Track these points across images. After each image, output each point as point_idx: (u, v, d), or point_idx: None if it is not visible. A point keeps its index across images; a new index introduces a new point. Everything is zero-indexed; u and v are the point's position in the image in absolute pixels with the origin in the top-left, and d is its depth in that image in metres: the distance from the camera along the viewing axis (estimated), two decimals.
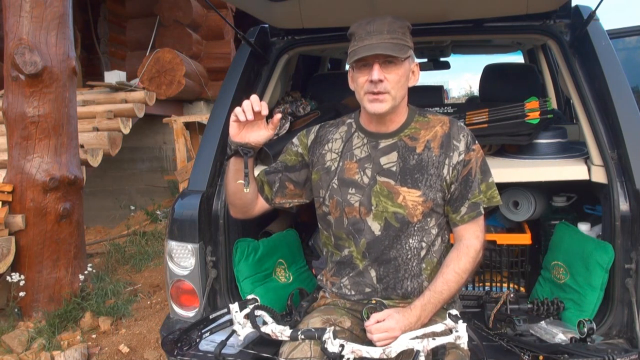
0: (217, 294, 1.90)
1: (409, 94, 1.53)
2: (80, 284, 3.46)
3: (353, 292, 1.57)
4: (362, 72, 1.44)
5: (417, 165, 1.50)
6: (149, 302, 3.72)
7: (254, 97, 1.41)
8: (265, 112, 1.41)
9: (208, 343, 1.58)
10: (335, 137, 1.61)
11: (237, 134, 1.45)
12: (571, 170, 1.90)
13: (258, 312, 1.48)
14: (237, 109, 1.42)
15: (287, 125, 2.31)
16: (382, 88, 1.42)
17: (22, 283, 3.23)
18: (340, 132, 1.61)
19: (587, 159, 1.91)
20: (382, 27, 1.41)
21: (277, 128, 1.49)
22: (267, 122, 1.47)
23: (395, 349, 1.31)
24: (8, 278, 3.19)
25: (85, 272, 3.48)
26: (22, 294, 3.24)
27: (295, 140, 1.67)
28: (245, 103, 1.41)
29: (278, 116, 1.47)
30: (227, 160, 1.53)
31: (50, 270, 3.38)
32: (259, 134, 1.46)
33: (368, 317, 1.43)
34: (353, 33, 1.45)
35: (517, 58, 4.57)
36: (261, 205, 1.65)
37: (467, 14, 2.12)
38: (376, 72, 1.40)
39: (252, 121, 1.42)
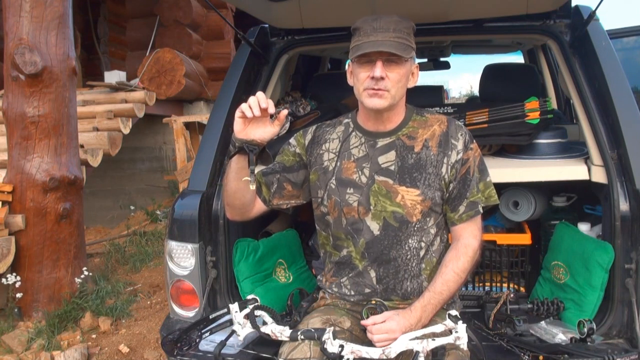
0: (217, 294, 1.90)
1: (409, 93, 1.53)
2: (78, 286, 3.46)
3: (352, 292, 1.57)
4: (363, 67, 1.43)
5: (416, 164, 1.50)
6: (148, 302, 3.72)
7: (261, 94, 1.39)
8: (272, 110, 1.39)
9: (208, 343, 1.58)
10: (332, 137, 1.60)
11: (242, 131, 1.43)
12: (571, 170, 1.89)
13: (258, 312, 1.48)
14: (244, 105, 1.39)
15: (287, 125, 2.30)
16: (382, 85, 1.41)
17: (17, 284, 3.22)
18: (337, 132, 1.61)
19: (587, 159, 1.91)
20: (388, 25, 1.41)
21: (282, 125, 1.47)
22: (272, 119, 1.45)
23: (394, 349, 1.31)
24: (3, 280, 3.18)
25: (82, 275, 3.48)
26: (19, 295, 3.24)
27: (292, 140, 1.67)
28: (252, 99, 1.39)
29: (284, 112, 1.44)
30: (229, 158, 1.51)
31: (50, 270, 3.38)
32: (265, 131, 1.44)
33: (368, 318, 1.43)
34: (358, 28, 1.44)
35: (517, 58, 4.57)
36: (259, 207, 1.64)
37: (467, 14, 2.12)
38: (378, 69, 1.39)
39: (257, 118, 1.40)
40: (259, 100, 1.38)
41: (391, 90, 1.43)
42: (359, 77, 1.45)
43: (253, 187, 1.44)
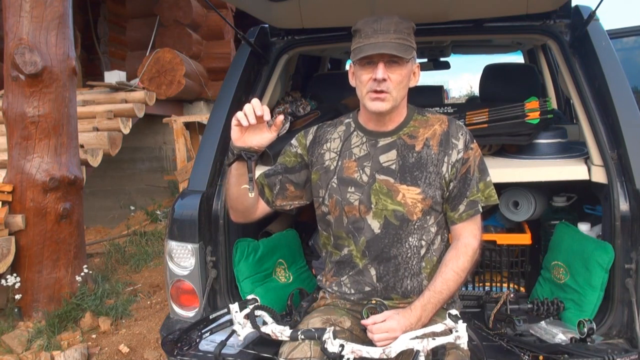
0: (217, 294, 1.90)
1: (409, 93, 1.53)
2: (78, 285, 3.46)
3: (353, 291, 1.57)
4: (365, 69, 1.44)
5: (417, 163, 1.50)
6: (149, 302, 3.72)
7: (256, 101, 1.40)
8: (267, 117, 1.40)
9: (208, 343, 1.58)
10: (333, 137, 1.61)
11: (239, 138, 1.43)
12: (571, 170, 1.90)
13: (258, 312, 1.48)
14: (239, 114, 1.40)
15: (287, 125, 2.30)
16: (384, 87, 1.42)
17: (17, 285, 3.21)
18: (338, 132, 1.61)
19: (587, 159, 1.91)
20: (389, 27, 1.41)
21: (279, 130, 1.47)
22: (269, 124, 1.46)
23: (395, 349, 1.31)
24: (3, 281, 3.18)
25: (82, 274, 3.48)
26: (18, 296, 3.23)
27: (293, 141, 1.67)
28: (247, 107, 1.39)
29: (280, 118, 1.45)
30: (229, 166, 1.51)
31: (50, 270, 3.37)
32: (262, 137, 1.45)
33: (368, 317, 1.43)
34: (359, 30, 1.45)
35: (517, 58, 4.56)
36: (262, 209, 1.65)
37: (467, 14, 2.12)
38: (380, 71, 1.40)
39: (254, 125, 1.41)
40: (254, 108, 1.38)
41: (393, 92, 1.43)
42: (361, 79, 1.45)
43: (252, 194, 1.45)
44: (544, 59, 3.18)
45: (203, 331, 1.52)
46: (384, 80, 1.41)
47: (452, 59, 4.14)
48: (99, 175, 5.67)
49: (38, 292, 3.34)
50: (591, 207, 2.09)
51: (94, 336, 3.21)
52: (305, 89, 3.03)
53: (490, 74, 2.84)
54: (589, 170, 1.86)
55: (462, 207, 1.52)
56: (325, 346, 1.30)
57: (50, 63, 3.36)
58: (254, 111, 1.38)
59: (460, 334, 1.30)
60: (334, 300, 1.62)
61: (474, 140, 1.56)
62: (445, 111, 2.35)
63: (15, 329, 3.16)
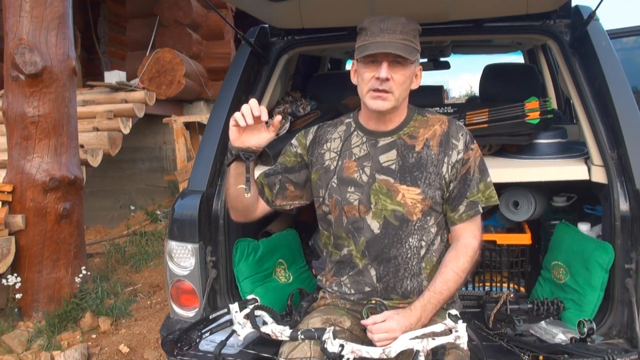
0: (217, 294, 1.90)
1: (409, 94, 1.53)
2: (78, 285, 3.46)
3: (353, 291, 1.57)
4: (368, 67, 1.44)
5: (417, 163, 1.50)
6: (148, 302, 3.72)
7: (253, 102, 1.41)
8: (265, 117, 1.41)
9: (208, 343, 1.58)
10: (333, 137, 1.61)
11: (238, 139, 1.45)
12: (571, 170, 1.90)
13: (258, 312, 1.48)
14: (237, 114, 1.41)
15: (287, 125, 2.31)
16: (387, 87, 1.42)
17: (18, 285, 3.22)
18: (338, 132, 1.61)
19: (587, 159, 1.91)
20: (395, 27, 1.41)
21: (277, 130, 1.48)
22: (267, 124, 1.47)
23: (395, 349, 1.31)
24: (4, 281, 3.18)
25: (81, 275, 3.48)
26: (18, 295, 3.24)
27: (293, 141, 1.68)
28: (245, 107, 1.40)
29: (278, 118, 1.46)
30: (228, 166, 1.52)
31: (50, 270, 3.38)
32: (260, 137, 1.46)
33: (368, 318, 1.43)
34: (365, 27, 1.45)
35: (517, 58, 4.57)
36: (262, 208, 1.65)
37: (467, 14, 2.12)
38: (384, 70, 1.40)
39: (251, 125, 1.42)
40: (252, 109, 1.39)
41: (395, 92, 1.44)
42: (363, 77, 1.46)
43: (248, 195, 1.46)
44: (544, 59, 3.18)
45: (203, 331, 1.52)
46: (387, 80, 1.41)
47: (452, 59, 4.14)
48: (99, 175, 5.67)
49: (38, 292, 3.34)
50: (591, 207, 2.09)
51: (94, 336, 3.21)
52: (305, 89, 3.03)
53: (490, 74, 2.84)
54: (589, 170, 1.86)
55: (462, 208, 1.52)
56: (325, 346, 1.30)
57: (50, 63, 3.36)
58: (252, 112, 1.39)
59: (460, 333, 1.30)
60: (334, 300, 1.62)
61: (474, 141, 1.56)
62: (445, 111, 2.35)
63: (15, 329, 3.16)
